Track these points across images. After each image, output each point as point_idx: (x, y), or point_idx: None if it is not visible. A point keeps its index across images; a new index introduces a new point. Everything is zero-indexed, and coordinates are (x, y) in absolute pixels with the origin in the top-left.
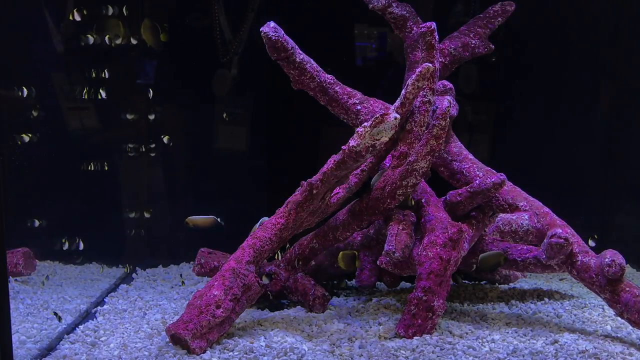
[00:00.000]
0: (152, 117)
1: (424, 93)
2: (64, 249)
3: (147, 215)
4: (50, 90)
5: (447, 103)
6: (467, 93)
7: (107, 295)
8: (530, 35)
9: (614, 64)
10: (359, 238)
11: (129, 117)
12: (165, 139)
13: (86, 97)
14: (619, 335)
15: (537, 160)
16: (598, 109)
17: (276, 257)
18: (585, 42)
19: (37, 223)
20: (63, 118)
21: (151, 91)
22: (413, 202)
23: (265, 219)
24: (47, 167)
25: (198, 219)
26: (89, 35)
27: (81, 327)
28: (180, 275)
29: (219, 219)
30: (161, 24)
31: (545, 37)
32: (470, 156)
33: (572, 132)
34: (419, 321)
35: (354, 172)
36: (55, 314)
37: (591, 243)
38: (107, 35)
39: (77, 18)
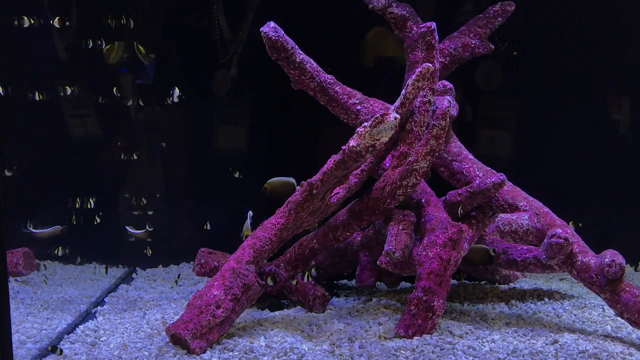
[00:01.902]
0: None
1: (424, 93)
2: (59, 254)
3: (148, 225)
4: (53, 96)
5: (447, 103)
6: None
7: (107, 295)
8: (531, 34)
9: (615, 63)
10: (359, 238)
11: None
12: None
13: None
14: (619, 335)
15: (538, 159)
16: (599, 108)
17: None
18: (587, 41)
19: (36, 225)
20: (65, 122)
21: (177, 91)
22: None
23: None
24: (47, 168)
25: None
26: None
27: (81, 327)
28: (178, 276)
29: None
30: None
31: (541, 37)
32: (470, 156)
33: (572, 132)
34: (419, 321)
35: (354, 172)
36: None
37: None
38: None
39: (57, 25)
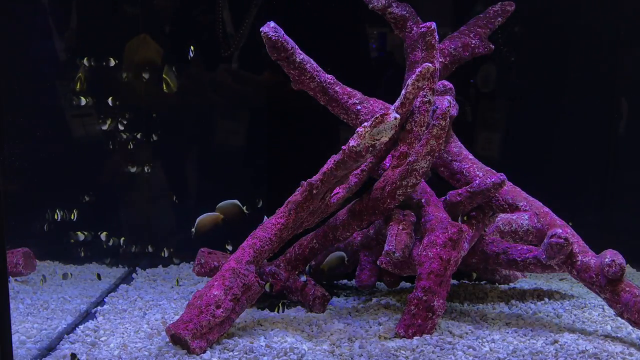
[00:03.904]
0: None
1: (424, 93)
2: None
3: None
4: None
5: (447, 103)
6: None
7: (107, 295)
8: (534, 34)
9: (616, 63)
10: (359, 238)
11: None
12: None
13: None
14: (619, 335)
15: (539, 159)
16: (600, 107)
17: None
18: (587, 42)
19: (38, 226)
20: (66, 122)
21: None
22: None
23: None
24: (47, 168)
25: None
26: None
27: (81, 327)
28: (177, 278)
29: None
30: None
31: (549, 36)
32: (470, 156)
33: (573, 131)
34: (419, 321)
35: (354, 172)
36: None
37: None
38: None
39: None
